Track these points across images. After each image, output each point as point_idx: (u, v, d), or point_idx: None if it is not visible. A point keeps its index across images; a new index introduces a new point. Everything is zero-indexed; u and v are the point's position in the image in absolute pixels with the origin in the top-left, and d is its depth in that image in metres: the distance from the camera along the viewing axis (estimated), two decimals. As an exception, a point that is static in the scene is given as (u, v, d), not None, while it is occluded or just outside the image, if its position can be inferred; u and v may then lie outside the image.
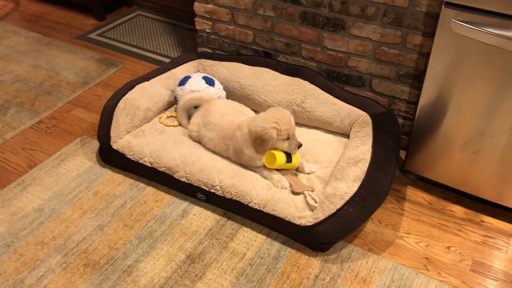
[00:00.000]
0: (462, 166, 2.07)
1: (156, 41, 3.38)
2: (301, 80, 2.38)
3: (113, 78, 3.00)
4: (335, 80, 2.47)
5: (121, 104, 2.29)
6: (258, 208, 1.95)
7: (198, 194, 2.09)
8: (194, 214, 2.07)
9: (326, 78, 2.40)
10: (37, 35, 3.44)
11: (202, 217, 2.06)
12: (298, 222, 1.88)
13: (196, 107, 2.34)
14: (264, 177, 2.06)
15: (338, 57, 2.40)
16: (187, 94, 2.34)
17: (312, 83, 2.36)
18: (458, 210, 2.13)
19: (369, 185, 1.89)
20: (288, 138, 2.01)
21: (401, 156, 2.38)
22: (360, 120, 2.23)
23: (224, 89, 2.48)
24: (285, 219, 1.90)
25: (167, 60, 3.15)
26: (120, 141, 2.24)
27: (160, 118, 2.41)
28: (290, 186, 2.01)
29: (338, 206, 1.83)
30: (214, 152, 2.19)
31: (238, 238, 1.97)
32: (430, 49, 2.10)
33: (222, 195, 2.02)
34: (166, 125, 2.37)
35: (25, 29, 3.51)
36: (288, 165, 2.06)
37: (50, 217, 2.04)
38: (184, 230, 2.00)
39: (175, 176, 2.11)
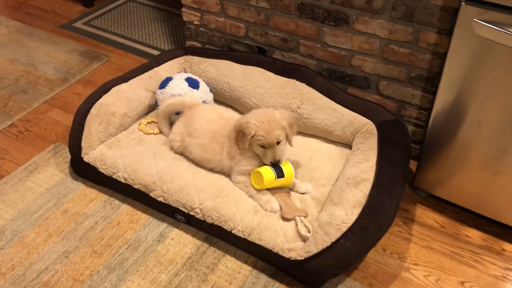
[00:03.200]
0: (480, 185, 1.79)
1: (145, 31, 3.10)
2: (298, 82, 2.09)
3: (95, 74, 2.74)
4: (337, 80, 2.18)
5: (94, 110, 2.04)
6: (242, 236, 1.70)
7: (177, 215, 1.85)
8: (172, 239, 1.83)
9: (326, 78, 2.12)
10: (19, 24, 3.18)
11: (181, 243, 1.81)
12: (287, 255, 1.63)
13: (178, 113, 2.08)
14: (252, 197, 1.80)
15: (341, 55, 2.10)
16: (168, 98, 2.08)
17: (309, 86, 2.07)
18: (474, 235, 1.86)
19: (370, 213, 1.62)
20: (263, 146, 1.76)
21: (411, 167, 2.09)
22: (364, 130, 1.95)
23: (211, 91, 2.20)
24: (273, 250, 1.65)
25: (156, 53, 2.88)
26: (93, 153, 2.00)
27: (139, 125, 2.16)
28: (281, 209, 1.75)
29: (334, 239, 1.57)
30: (198, 164, 1.93)
31: (219, 269, 1.72)
32: (446, 48, 1.80)
33: (203, 219, 1.77)
34: (146, 133, 2.11)
35: (7, 17, 3.26)
36: (281, 181, 1.79)
37: (11, 241, 1.82)
38: (160, 259, 1.76)
39: (151, 195, 1.86)
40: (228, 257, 1.77)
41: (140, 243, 1.81)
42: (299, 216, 1.71)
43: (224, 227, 1.73)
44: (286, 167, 1.80)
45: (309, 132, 2.11)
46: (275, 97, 2.11)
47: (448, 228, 1.88)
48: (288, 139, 1.78)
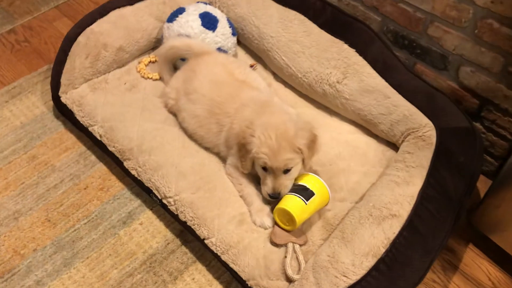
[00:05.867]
0: None
1: None
2: (346, 46, 1.52)
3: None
4: (404, 49, 1.57)
5: (82, 38, 1.63)
6: (215, 251, 1.31)
7: (152, 195, 1.47)
8: (141, 223, 1.48)
9: (388, 46, 1.52)
10: None
11: (149, 231, 1.46)
12: (262, 295, 1.22)
13: (184, 59, 1.61)
14: (243, 198, 1.37)
15: (415, 17, 1.48)
16: (173, 37, 1.60)
17: (361, 54, 1.50)
18: (538, 311, 1.34)
19: (387, 271, 1.14)
20: (265, 169, 1.28)
21: (478, 185, 1.53)
22: (419, 134, 1.39)
23: (233, 34, 1.69)
24: (247, 282, 1.25)
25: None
26: (72, 93, 1.62)
27: (139, 64, 1.72)
28: (272, 227, 1.31)
29: (324, 297, 1.13)
30: (191, 136, 1.50)
31: (183, 280, 1.36)
32: None
33: (175, 213, 1.38)
34: (143, 76, 1.69)
35: None
36: (315, 201, 1.28)
37: (-38, 184, 1.56)
38: (117, 248, 1.42)
39: (125, 164, 1.49)
40: (199, 265, 1.39)
41: (102, 221, 1.48)
42: (293, 243, 1.27)
43: (197, 232, 1.33)
44: (309, 179, 1.31)
45: (347, 116, 1.57)
46: (312, 61, 1.56)
47: (502, 291, 1.37)
48: (303, 163, 1.28)
